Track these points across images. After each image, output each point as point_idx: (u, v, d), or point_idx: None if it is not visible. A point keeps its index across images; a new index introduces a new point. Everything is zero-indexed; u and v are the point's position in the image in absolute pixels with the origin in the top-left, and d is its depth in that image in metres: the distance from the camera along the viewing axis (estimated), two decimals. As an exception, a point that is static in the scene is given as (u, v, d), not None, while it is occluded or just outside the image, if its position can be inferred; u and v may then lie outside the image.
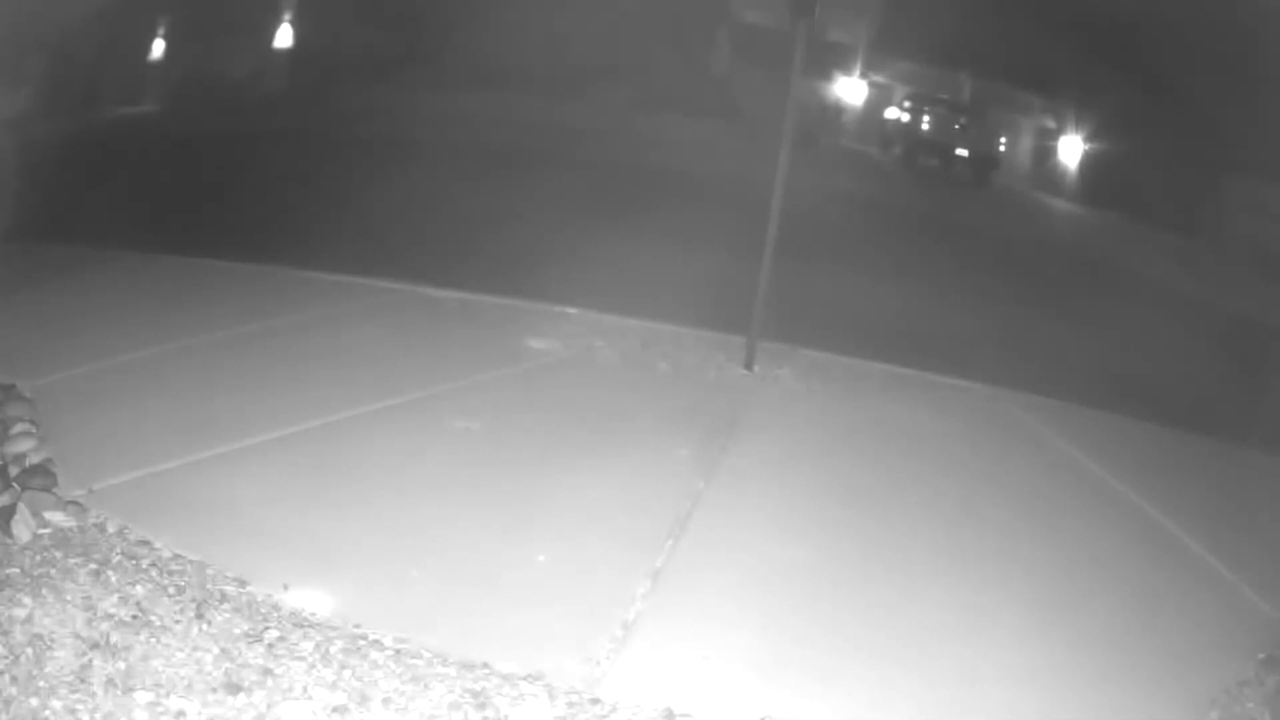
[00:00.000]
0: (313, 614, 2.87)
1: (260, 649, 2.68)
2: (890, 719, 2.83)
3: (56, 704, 2.39)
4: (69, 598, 2.77)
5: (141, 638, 2.65)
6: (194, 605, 2.82)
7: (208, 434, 3.83)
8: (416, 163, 10.05)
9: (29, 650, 2.54)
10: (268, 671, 2.60)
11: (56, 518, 3.14)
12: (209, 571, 3.00)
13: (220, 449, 3.75)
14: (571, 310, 5.93)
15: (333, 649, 2.73)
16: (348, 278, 6.01)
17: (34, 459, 3.42)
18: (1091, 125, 15.57)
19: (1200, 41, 11.02)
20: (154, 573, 2.95)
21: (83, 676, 2.48)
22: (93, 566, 2.93)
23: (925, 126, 16.13)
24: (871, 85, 17.11)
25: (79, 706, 2.39)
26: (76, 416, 3.87)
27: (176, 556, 3.05)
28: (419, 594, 3.07)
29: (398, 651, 2.76)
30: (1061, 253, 12.73)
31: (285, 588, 2.97)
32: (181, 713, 2.43)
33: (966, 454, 4.81)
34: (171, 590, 2.88)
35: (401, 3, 15.00)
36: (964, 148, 15.83)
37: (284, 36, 14.27)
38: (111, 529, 3.15)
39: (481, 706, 2.59)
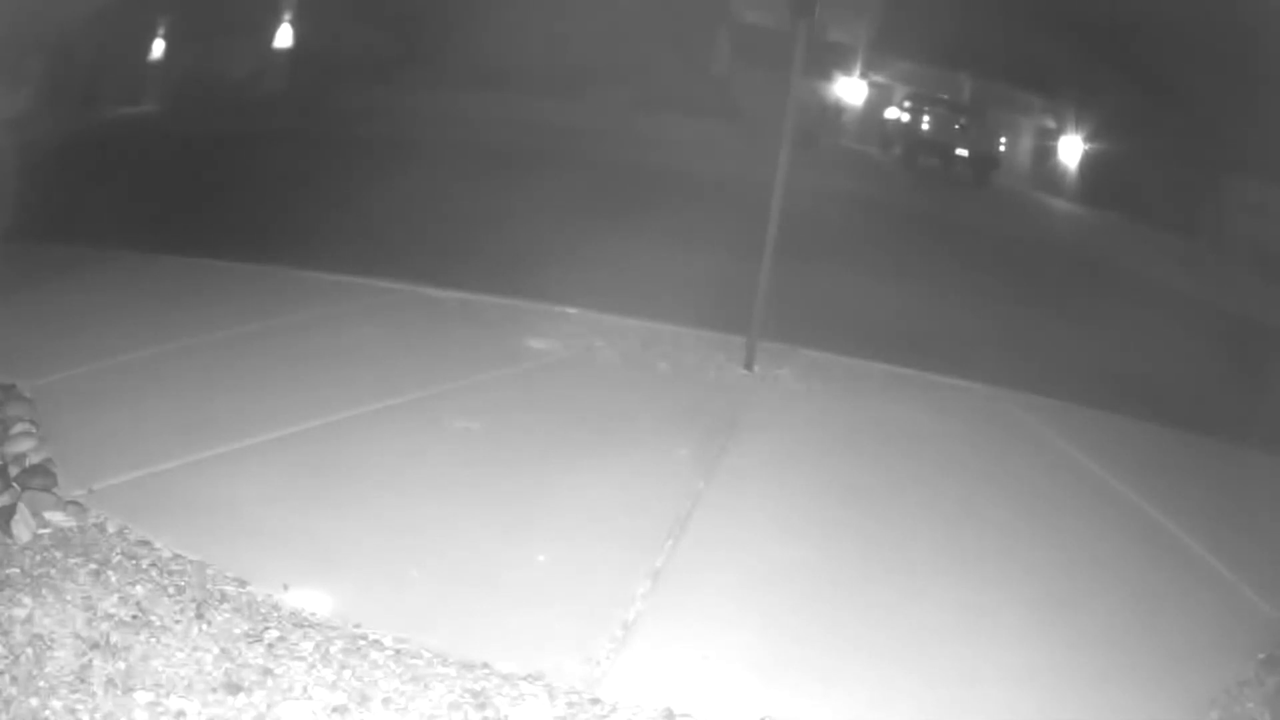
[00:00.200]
0: (313, 614, 2.87)
1: (260, 649, 2.68)
2: (890, 719, 2.83)
3: (56, 704, 2.39)
4: (69, 598, 2.77)
5: (141, 638, 2.65)
6: (194, 605, 2.82)
7: (208, 434, 3.83)
8: (416, 163, 10.05)
9: (29, 650, 2.54)
10: (268, 671, 2.60)
11: (56, 518, 3.14)
12: (209, 571, 3.00)
13: (220, 449, 3.75)
14: (571, 310, 5.93)
15: (333, 649, 2.73)
16: (348, 278, 6.01)
17: (34, 459, 3.42)
18: (1091, 125, 15.57)
19: (1200, 41, 11.02)
20: (154, 573, 2.95)
21: (83, 676, 2.48)
22: (93, 566, 2.93)
23: (925, 126, 16.13)
24: (871, 85, 17.11)
25: (79, 706, 2.39)
26: (76, 416, 3.87)
27: (176, 556, 3.05)
28: (419, 594, 3.07)
29: (398, 651, 2.76)
30: (1061, 253, 12.73)
31: (285, 588, 2.97)
32: (181, 713, 2.43)
33: (966, 454, 4.81)
34: (171, 590, 2.88)
35: (401, 3, 15.00)
36: (964, 148, 15.83)
37: (284, 36, 14.27)
38: (111, 529, 3.15)
39: (481, 706, 2.59)
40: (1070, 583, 3.73)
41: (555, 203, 9.04)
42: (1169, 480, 4.91)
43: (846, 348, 5.98)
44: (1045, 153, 16.58)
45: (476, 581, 3.17)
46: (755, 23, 16.11)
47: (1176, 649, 3.43)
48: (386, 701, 2.57)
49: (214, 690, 2.51)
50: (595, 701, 2.68)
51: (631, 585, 3.22)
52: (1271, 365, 7.61)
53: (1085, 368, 6.95)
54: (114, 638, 2.63)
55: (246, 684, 2.55)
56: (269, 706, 2.49)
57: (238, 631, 2.74)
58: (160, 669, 2.55)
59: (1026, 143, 16.85)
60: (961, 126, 15.97)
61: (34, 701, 2.39)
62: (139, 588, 2.86)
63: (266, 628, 2.77)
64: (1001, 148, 16.12)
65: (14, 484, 3.24)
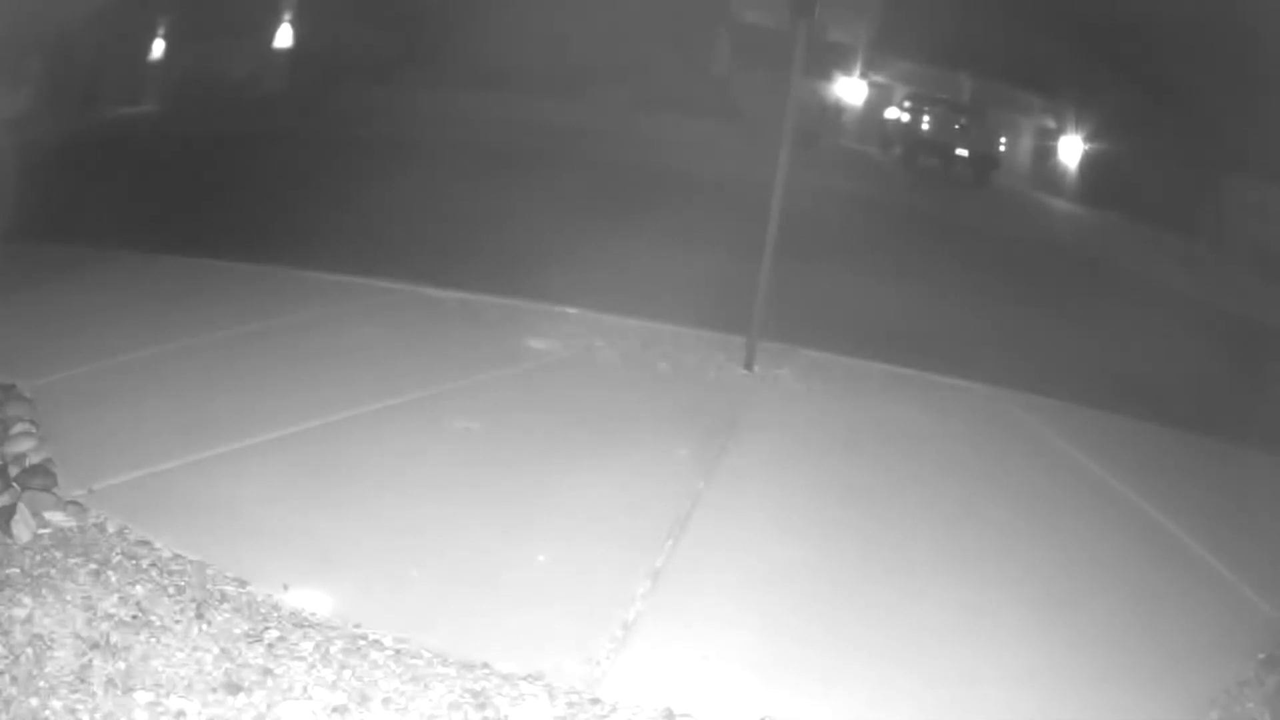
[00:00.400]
0: (313, 614, 2.87)
1: (260, 649, 2.68)
2: (890, 719, 2.83)
3: (56, 704, 2.39)
4: (69, 598, 2.77)
5: (141, 638, 2.65)
6: (194, 605, 2.82)
7: (208, 434, 3.83)
8: (416, 163, 10.05)
9: (29, 650, 2.54)
10: (268, 671, 2.60)
11: (56, 518, 3.14)
12: (209, 571, 3.00)
13: (220, 449, 3.75)
14: (571, 310, 5.93)
15: (333, 649, 2.73)
16: (348, 278, 6.01)
17: (34, 459, 3.42)
18: (1091, 125, 15.58)
19: (1200, 41, 11.02)
20: (154, 573, 2.95)
21: (83, 676, 2.48)
22: (93, 566, 2.93)
23: (925, 126, 16.13)
24: (871, 85, 17.11)
25: (79, 706, 2.39)
26: (76, 416, 3.87)
27: (176, 556, 3.05)
28: (419, 594, 3.07)
29: (398, 651, 2.76)
30: (1061, 253, 12.73)
31: (285, 588, 2.97)
32: (181, 713, 2.43)
33: (966, 454, 4.81)
34: (171, 590, 2.88)
35: (401, 3, 15.00)
36: (964, 148, 15.83)
37: (284, 36, 14.28)
38: (111, 529, 3.15)
39: (481, 706, 2.59)
40: (1070, 583, 3.73)
41: (555, 203, 9.04)
42: (1169, 480, 4.91)
43: (846, 348, 5.98)
44: (1045, 153, 16.59)
45: (476, 581, 3.17)
46: (755, 23, 16.12)
47: (1176, 649, 3.42)
48: (386, 701, 2.57)
49: (214, 690, 2.51)
50: (595, 701, 2.68)
51: (631, 585, 3.22)
52: (1271, 365, 7.61)
53: (1085, 368, 6.95)
54: (114, 638, 2.63)
55: (246, 684, 2.55)
56: (269, 706, 2.49)
57: (238, 631, 2.74)
58: (160, 669, 2.55)
59: (1026, 143, 16.85)
60: (961, 126, 15.97)
61: (34, 701, 2.39)
62: (139, 588, 2.86)
63: (266, 628, 2.77)
64: (1001, 148, 16.12)
65: (14, 484, 3.24)
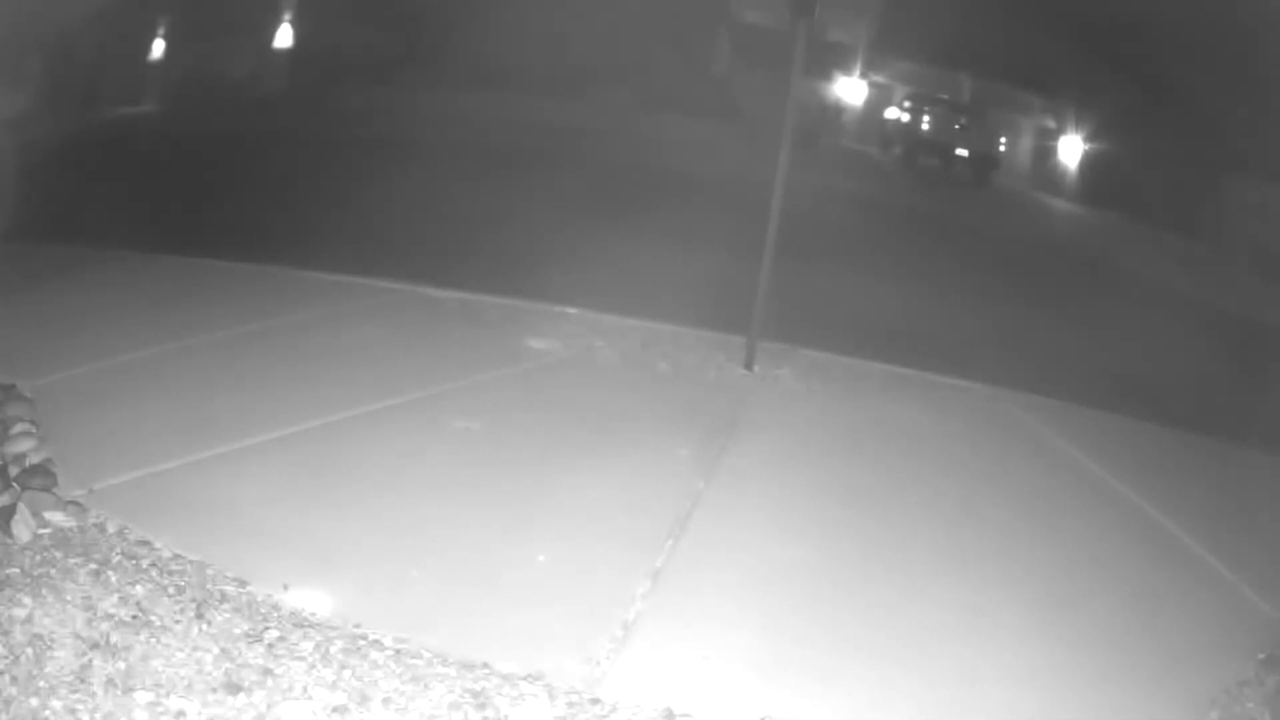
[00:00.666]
0: (313, 614, 2.87)
1: (260, 649, 2.68)
2: (890, 719, 2.83)
3: (56, 704, 2.39)
4: (69, 598, 2.77)
5: (141, 638, 2.65)
6: (194, 605, 2.82)
7: (208, 434, 3.83)
8: (416, 163, 10.04)
9: (29, 650, 2.54)
10: (268, 671, 2.60)
11: (56, 518, 3.14)
12: (209, 571, 3.00)
13: (220, 449, 3.75)
14: (571, 310, 5.93)
15: (333, 649, 2.73)
16: (348, 278, 6.01)
17: (34, 459, 3.42)
18: (1091, 125, 15.57)
19: (1200, 41, 11.02)
20: (154, 573, 2.95)
21: (83, 676, 2.48)
22: (93, 566, 2.93)
23: (925, 126, 16.13)
24: (871, 85, 17.11)
25: (79, 706, 2.39)
26: (76, 416, 3.87)
27: (176, 556, 3.05)
28: (419, 594, 3.07)
29: (398, 651, 2.76)
30: (1061, 253, 12.73)
31: (285, 588, 2.97)
32: (181, 713, 2.43)
33: (966, 454, 4.81)
34: (171, 590, 2.88)
35: (401, 3, 15.00)
36: (964, 148, 15.83)
37: (284, 36, 14.27)
38: (111, 529, 3.15)
39: (481, 706, 2.60)
40: (1070, 583, 3.73)
41: (555, 203, 9.04)
42: (1169, 480, 4.92)
43: (846, 348, 5.98)
44: (1045, 153, 16.58)
45: (476, 581, 3.17)
46: (755, 23, 16.11)
47: (1176, 649, 3.43)
48: (386, 701, 2.57)
49: (214, 690, 2.51)
50: (595, 701, 2.68)
51: (631, 585, 3.22)
52: (1271, 365, 7.61)
53: (1085, 368, 6.95)
54: (114, 638, 2.63)
55: (246, 684, 2.55)
56: (269, 706, 2.49)
57: (238, 631, 2.74)
58: (160, 669, 2.55)
59: (1026, 143, 16.85)
60: (961, 126, 15.97)
61: (34, 701, 2.39)
62: (139, 588, 2.86)
63: (266, 628, 2.77)
64: (1001, 148, 16.11)
65: (14, 484, 3.24)
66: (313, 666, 2.65)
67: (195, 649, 2.64)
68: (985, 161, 15.83)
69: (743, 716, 2.72)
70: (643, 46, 14.42)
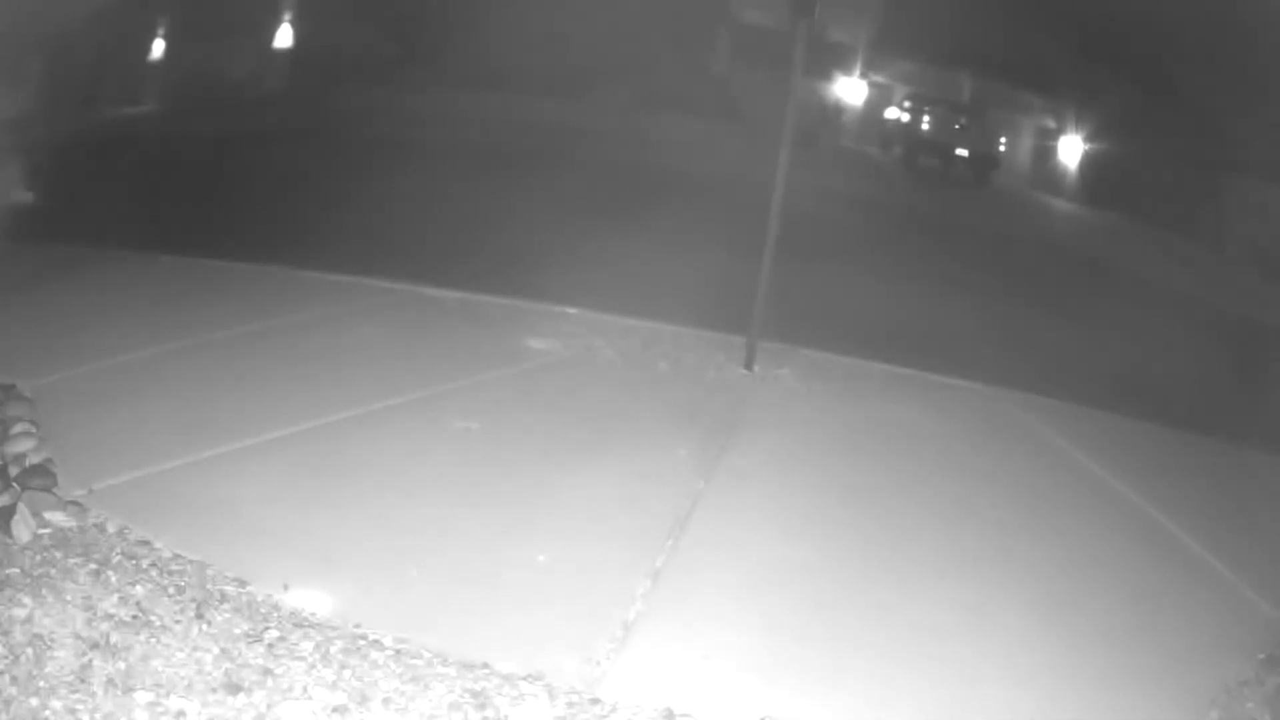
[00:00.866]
0: (313, 614, 2.87)
1: (260, 649, 2.68)
2: (890, 719, 2.83)
3: (56, 704, 2.39)
4: (69, 598, 2.77)
5: (141, 638, 2.65)
6: (194, 605, 2.82)
7: (208, 434, 3.83)
8: (416, 163, 10.04)
9: (29, 650, 2.54)
10: (268, 671, 2.60)
11: (56, 518, 3.14)
12: (209, 571, 3.00)
13: (220, 449, 3.75)
14: (571, 310, 5.93)
15: (333, 649, 2.73)
16: (348, 278, 6.01)
17: (34, 459, 3.42)
18: (1091, 125, 15.57)
19: (1200, 41, 11.02)
20: (154, 573, 2.95)
21: (83, 676, 2.48)
22: (93, 566, 2.93)
23: (925, 126, 16.13)
24: (871, 85, 17.11)
25: (79, 706, 2.39)
26: (76, 416, 3.87)
27: (176, 556, 3.05)
28: (419, 594, 3.07)
29: (398, 651, 2.76)
30: (1061, 253, 12.72)
31: (285, 588, 2.97)
32: (181, 713, 2.43)
33: (966, 454, 4.81)
34: (171, 590, 2.88)
35: (401, 3, 15.00)
36: (964, 148, 15.82)
37: (284, 36, 14.27)
38: (111, 529, 3.15)
39: (481, 706, 2.60)
40: (1070, 583, 3.73)
41: (555, 203, 9.04)
42: (1169, 480, 4.91)
43: (846, 348, 5.98)
44: (1045, 153, 16.58)
45: (476, 581, 3.17)
46: (755, 23, 16.11)
47: (1176, 649, 3.42)
48: (386, 701, 2.57)
49: (214, 690, 2.51)
50: (595, 701, 2.68)
51: (631, 585, 3.22)
52: (1271, 365, 7.61)
53: (1085, 368, 6.95)
54: (114, 638, 2.63)
55: (246, 684, 2.55)
56: (269, 706, 2.49)
57: (238, 631, 2.74)
58: (160, 669, 2.55)
59: (1026, 143, 16.85)
60: (961, 126, 15.97)
61: (34, 701, 2.39)
62: (139, 588, 2.87)
63: (266, 628, 2.77)
64: (1001, 148, 16.11)
65: (14, 484, 3.24)
66: (313, 666, 2.65)
67: (195, 649, 2.64)
68: (985, 161, 15.83)
69: (743, 716, 2.72)
70: (643, 46, 14.43)
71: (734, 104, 15.77)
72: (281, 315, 5.29)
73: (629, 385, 5.00)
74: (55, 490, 3.27)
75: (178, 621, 2.74)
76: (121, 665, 2.54)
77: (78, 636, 2.62)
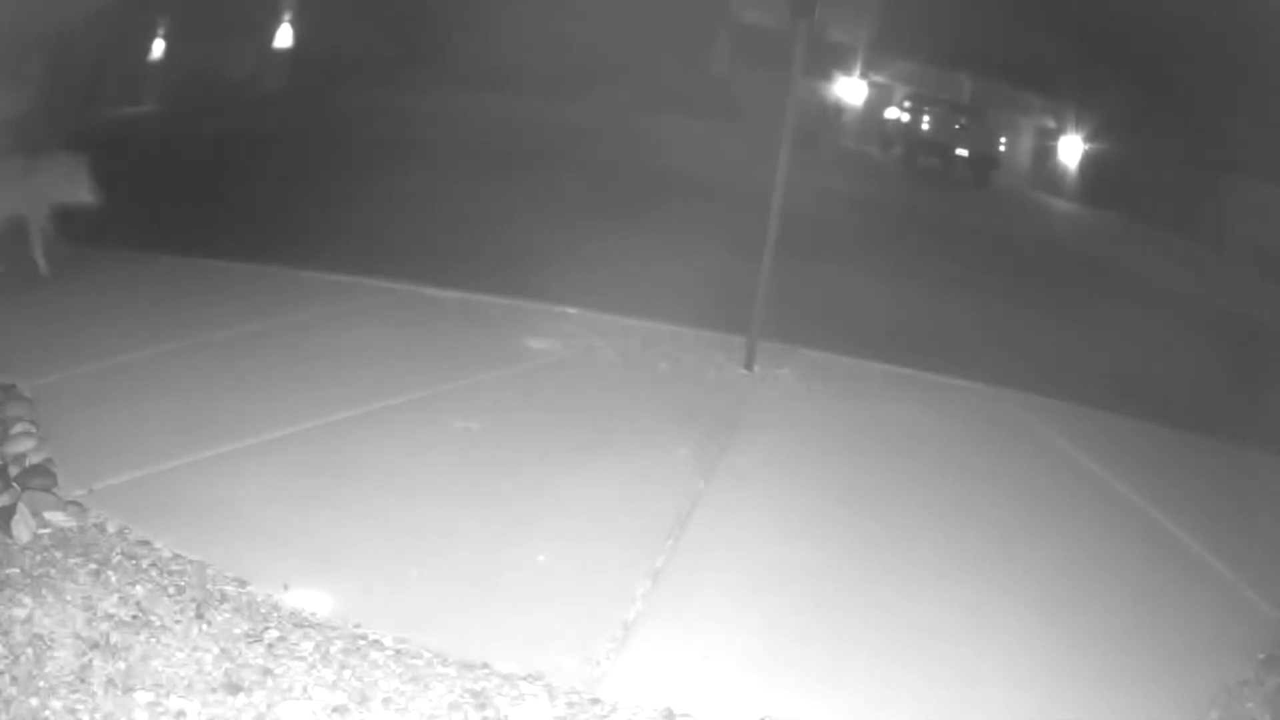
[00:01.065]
0: (313, 614, 2.87)
1: (260, 649, 2.68)
2: (890, 719, 2.83)
3: (56, 704, 2.39)
4: (69, 598, 2.77)
5: (141, 638, 2.65)
6: (194, 605, 2.82)
7: (208, 434, 3.83)
8: (416, 163, 10.04)
9: (29, 650, 2.54)
10: (268, 671, 2.60)
11: (56, 518, 3.14)
12: (209, 571, 3.00)
13: (220, 449, 3.75)
14: (571, 310, 5.93)
15: (333, 649, 2.73)
16: (348, 278, 6.01)
17: (34, 459, 3.42)
18: (1091, 125, 15.58)
19: (1200, 41, 11.02)
20: (154, 573, 2.95)
21: (83, 676, 2.48)
22: (93, 566, 2.93)
23: (925, 126, 16.14)
24: (871, 85, 17.12)
25: (79, 706, 2.39)
26: (76, 416, 3.87)
27: (176, 556, 3.05)
28: (419, 594, 3.07)
29: (398, 651, 2.76)
30: (1061, 253, 12.73)
31: (285, 588, 2.97)
32: (181, 713, 2.43)
33: (966, 454, 4.81)
34: (171, 590, 2.88)
35: (401, 3, 15.00)
36: (964, 148, 15.83)
37: (284, 36, 14.27)
38: (111, 529, 3.15)
39: (481, 706, 2.60)
40: (1070, 583, 3.73)
41: (555, 203, 9.04)
42: (1169, 480, 4.91)
43: (846, 348, 5.98)
44: (1045, 153, 16.59)
45: (476, 581, 3.17)
46: (755, 23, 16.11)
47: (1176, 649, 3.42)
48: (386, 701, 2.57)
49: (214, 690, 2.51)
50: (595, 701, 2.68)
51: (631, 585, 3.22)
52: (1271, 365, 7.61)
53: (1085, 368, 6.95)
54: (114, 638, 2.63)
55: (246, 684, 2.55)
56: (269, 706, 2.49)
57: (238, 631, 2.74)
58: (160, 669, 2.55)
59: (1026, 143, 16.86)
60: (961, 126, 15.97)
61: (34, 701, 2.39)
62: (139, 588, 2.87)
63: (266, 628, 2.77)
64: (1001, 148, 16.12)
65: (14, 484, 3.24)
66: (313, 666, 2.65)
67: (195, 649, 2.64)
68: (985, 161, 15.84)
69: (743, 716, 2.72)
70: (643, 46, 14.43)
71: (734, 104, 15.78)
72: (281, 315, 5.29)
73: (629, 385, 5.00)
74: (55, 490, 3.27)
75: (178, 621, 2.74)
76: (121, 665, 2.54)
77: (78, 636, 2.62)
